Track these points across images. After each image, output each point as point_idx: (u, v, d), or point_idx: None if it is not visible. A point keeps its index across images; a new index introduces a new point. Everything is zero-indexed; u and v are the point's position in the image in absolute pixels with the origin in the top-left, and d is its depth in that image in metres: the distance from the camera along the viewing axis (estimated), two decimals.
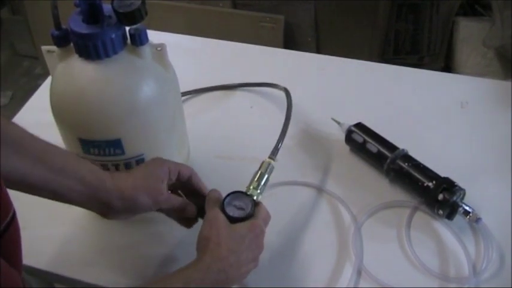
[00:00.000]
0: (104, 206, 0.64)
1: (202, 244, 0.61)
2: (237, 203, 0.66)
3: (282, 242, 0.75)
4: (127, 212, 0.66)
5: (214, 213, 0.64)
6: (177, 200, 0.68)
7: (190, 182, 0.69)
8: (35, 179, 0.59)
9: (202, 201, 0.68)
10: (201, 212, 0.68)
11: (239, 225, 0.63)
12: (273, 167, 0.71)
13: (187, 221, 0.71)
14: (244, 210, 0.65)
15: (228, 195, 0.66)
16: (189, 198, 0.70)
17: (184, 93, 0.96)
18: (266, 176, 0.70)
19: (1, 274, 0.39)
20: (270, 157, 0.72)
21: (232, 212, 0.64)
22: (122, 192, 0.64)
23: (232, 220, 0.63)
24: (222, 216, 0.63)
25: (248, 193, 0.67)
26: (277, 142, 0.76)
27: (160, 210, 0.70)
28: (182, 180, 0.69)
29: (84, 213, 0.79)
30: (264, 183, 0.69)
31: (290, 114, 0.84)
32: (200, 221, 0.67)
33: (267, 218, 0.66)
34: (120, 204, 0.64)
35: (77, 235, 0.78)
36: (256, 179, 0.69)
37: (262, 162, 0.71)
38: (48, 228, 0.78)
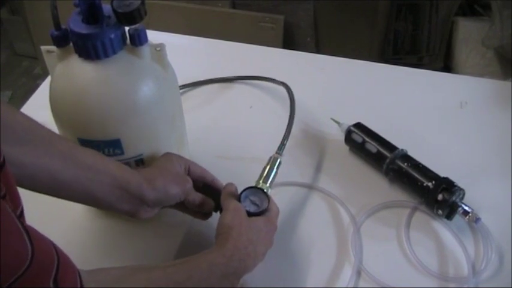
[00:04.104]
0: (136, 201, 0.64)
1: (224, 231, 0.63)
2: (252, 198, 0.69)
3: (281, 242, 0.75)
4: (158, 205, 0.67)
5: (235, 204, 0.66)
6: (197, 195, 0.70)
7: (204, 179, 0.72)
8: (66, 176, 0.60)
9: (216, 195, 0.70)
10: (216, 206, 0.71)
11: (256, 219, 0.66)
12: (280, 162, 0.74)
13: (203, 215, 0.73)
14: (259, 205, 0.68)
15: (244, 190, 0.69)
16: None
17: (181, 87, 0.97)
18: (274, 170, 0.73)
19: (36, 249, 0.39)
20: (277, 152, 0.75)
21: (249, 206, 0.68)
22: (154, 183, 0.65)
23: (249, 214, 0.66)
24: (242, 208, 0.66)
25: (259, 186, 0.71)
26: (283, 138, 0.78)
27: (178, 206, 0.71)
28: (193, 177, 0.70)
29: (84, 214, 0.80)
30: (273, 178, 0.73)
31: (294, 107, 0.86)
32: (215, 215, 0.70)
33: (278, 213, 0.70)
34: (153, 196, 0.65)
35: (77, 235, 0.78)
36: (265, 174, 0.73)
37: (270, 158, 0.75)
38: (48, 229, 0.77)
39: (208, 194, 0.72)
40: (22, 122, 0.58)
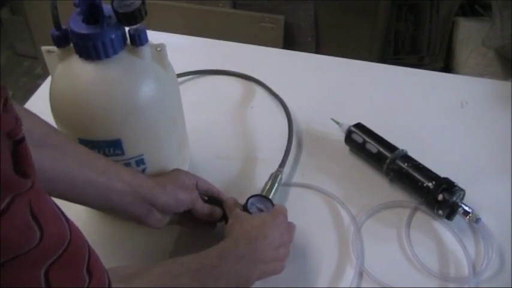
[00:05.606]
0: (147, 205, 0.66)
1: (230, 224, 0.68)
2: (258, 205, 0.72)
3: None
4: (167, 210, 0.68)
5: (239, 211, 0.70)
6: (205, 205, 0.72)
7: (210, 192, 0.74)
8: (81, 180, 0.61)
9: (222, 207, 0.73)
10: (222, 216, 0.73)
11: (260, 213, 0.70)
12: (281, 178, 0.78)
13: (209, 225, 0.75)
14: (265, 211, 0.71)
15: (251, 197, 0.72)
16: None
17: (179, 75, 0.98)
18: (276, 185, 0.77)
19: (72, 231, 0.40)
20: (278, 170, 0.79)
21: (255, 213, 0.70)
22: (165, 187, 0.67)
23: None
24: (246, 213, 0.70)
25: (264, 194, 0.74)
26: (284, 154, 0.82)
27: (185, 221, 0.73)
28: (200, 191, 0.72)
29: (84, 214, 0.79)
30: (275, 192, 0.77)
31: (292, 124, 0.89)
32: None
33: (284, 209, 0.71)
34: (164, 200, 0.66)
35: None
36: (267, 187, 0.76)
37: (271, 175, 0.78)
38: None
39: (216, 205, 0.74)
40: (40, 127, 0.60)
